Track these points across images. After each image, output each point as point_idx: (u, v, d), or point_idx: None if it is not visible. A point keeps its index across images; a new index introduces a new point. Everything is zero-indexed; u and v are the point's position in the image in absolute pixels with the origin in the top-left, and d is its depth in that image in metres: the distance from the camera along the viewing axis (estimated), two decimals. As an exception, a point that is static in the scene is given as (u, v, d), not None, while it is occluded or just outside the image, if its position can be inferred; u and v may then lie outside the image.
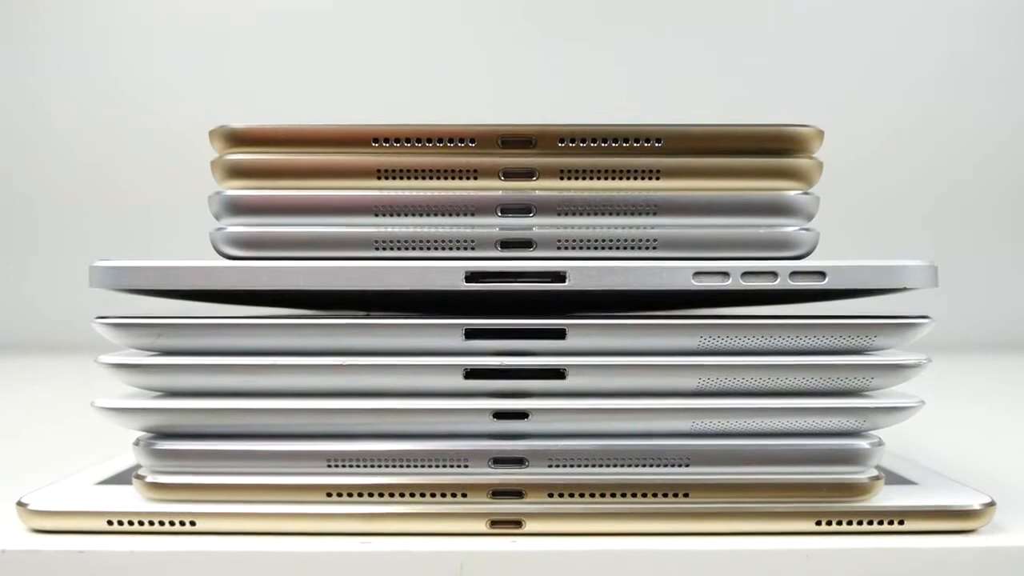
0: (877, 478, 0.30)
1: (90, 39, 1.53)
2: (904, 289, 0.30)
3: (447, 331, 0.30)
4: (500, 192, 0.31)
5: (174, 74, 1.52)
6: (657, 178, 0.31)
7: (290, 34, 1.53)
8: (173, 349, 0.30)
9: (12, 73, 1.54)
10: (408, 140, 0.31)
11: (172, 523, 0.30)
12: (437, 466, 0.30)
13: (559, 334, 0.30)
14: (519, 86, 1.51)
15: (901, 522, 0.30)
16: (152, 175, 1.49)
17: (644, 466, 0.30)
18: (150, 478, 0.30)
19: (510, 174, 0.31)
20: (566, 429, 0.30)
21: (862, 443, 0.30)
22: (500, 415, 0.30)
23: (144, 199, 1.49)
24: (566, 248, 0.31)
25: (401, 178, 0.31)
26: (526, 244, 0.31)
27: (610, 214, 0.31)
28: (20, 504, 0.30)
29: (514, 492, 0.30)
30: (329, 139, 0.31)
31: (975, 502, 0.30)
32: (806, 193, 0.31)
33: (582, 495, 0.30)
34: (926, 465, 0.36)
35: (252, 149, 0.31)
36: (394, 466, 0.30)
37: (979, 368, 1.06)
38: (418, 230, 0.31)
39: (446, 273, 0.29)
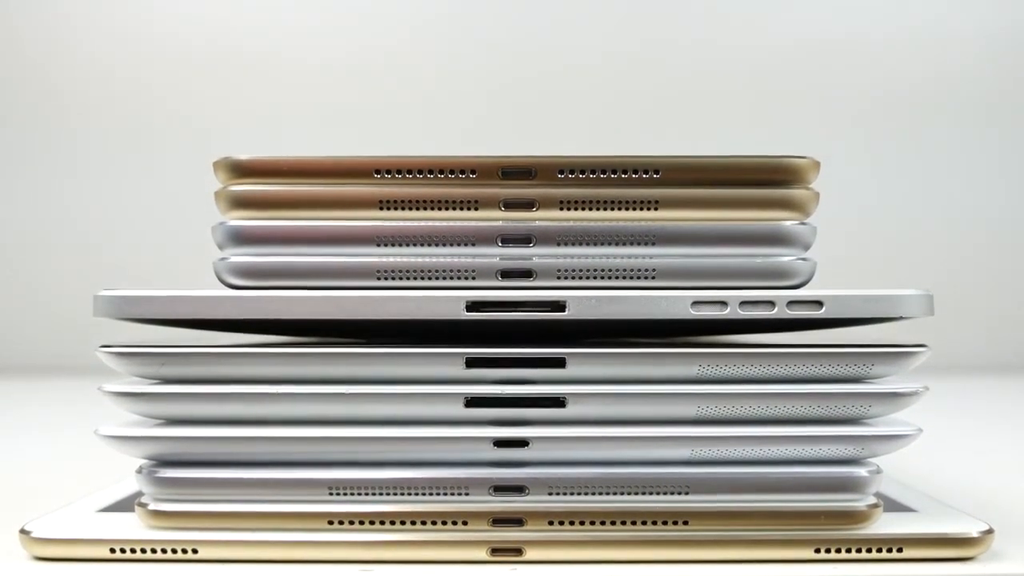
0: (875, 506, 0.30)
1: (95, 63, 1.54)
2: (901, 318, 0.30)
3: (448, 360, 0.30)
4: (500, 222, 0.32)
5: (177, 103, 1.53)
6: (656, 209, 0.32)
7: (294, 65, 1.54)
8: (176, 377, 0.31)
9: (14, 90, 1.54)
10: (410, 171, 0.31)
11: (175, 551, 0.30)
12: (438, 494, 0.30)
13: (559, 363, 0.30)
14: (520, 115, 1.52)
15: (900, 550, 0.30)
16: (156, 204, 1.50)
17: (644, 494, 0.30)
18: (152, 506, 0.30)
19: (510, 205, 0.32)
20: (566, 457, 0.31)
21: (860, 471, 0.30)
22: (500, 443, 0.30)
23: (148, 227, 1.49)
24: (566, 278, 0.31)
25: (402, 209, 0.32)
26: (526, 274, 0.31)
27: (609, 244, 0.31)
28: (23, 532, 0.31)
29: (514, 520, 0.30)
30: (331, 170, 0.32)
31: (973, 529, 0.30)
32: (803, 223, 0.32)
33: (582, 523, 0.30)
34: (925, 492, 0.36)
35: (256, 180, 0.32)
36: (395, 494, 0.30)
37: (977, 392, 1.06)
38: (419, 260, 0.31)
39: (447, 303, 0.30)
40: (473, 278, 0.31)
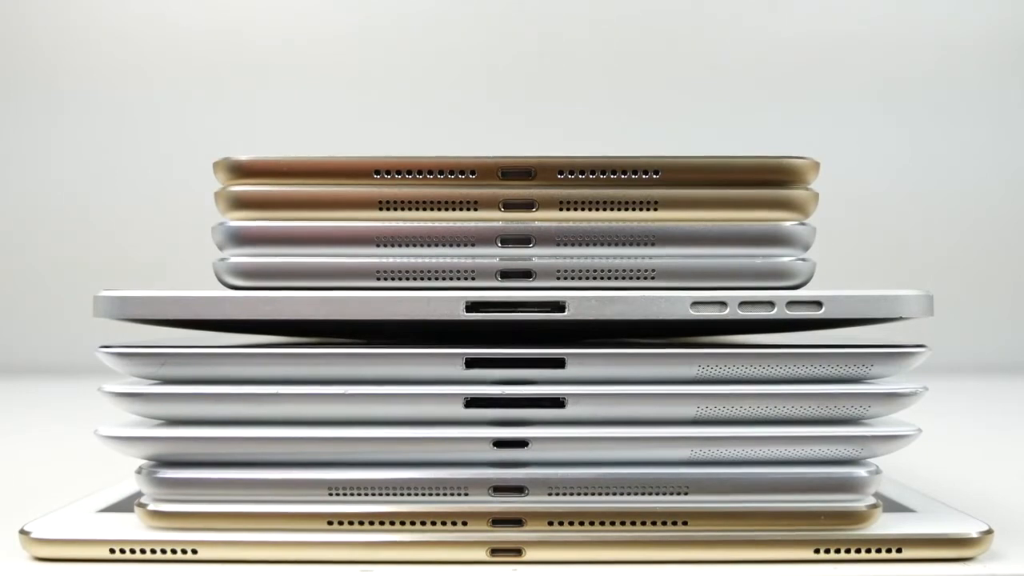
0: (875, 506, 0.30)
1: (94, 67, 1.54)
2: (900, 319, 0.30)
3: (447, 360, 0.30)
4: (500, 223, 0.32)
5: (178, 105, 1.53)
6: (655, 209, 0.32)
7: (294, 66, 1.54)
8: (176, 378, 0.31)
9: (14, 98, 1.54)
10: (409, 172, 0.31)
11: (174, 551, 0.30)
12: (438, 494, 0.30)
13: (558, 363, 0.30)
14: (520, 117, 1.52)
15: (899, 550, 0.30)
16: (156, 205, 1.50)
17: (643, 494, 0.30)
18: (152, 506, 0.30)
19: (510, 205, 0.32)
20: (566, 457, 0.31)
21: (860, 471, 0.30)
22: (500, 443, 0.30)
23: (147, 228, 1.49)
24: (565, 278, 0.31)
25: (402, 209, 0.32)
26: (526, 274, 0.31)
27: (609, 245, 0.31)
28: (23, 532, 0.31)
29: (514, 520, 0.30)
30: (331, 171, 0.32)
31: (973, 530, 0.30)
32: (802, 224, 0.32)
33: (582, 523, 0.30)
34: (924, 492, 0.36)
35: (255, 181, 0.32)
36: (395, 494, 0.30)
37: (977, 392, 1.06)
38: (419, 260, 0.31)
39: (447, 303, 0.30)
40: (473, 278, 0.31)
